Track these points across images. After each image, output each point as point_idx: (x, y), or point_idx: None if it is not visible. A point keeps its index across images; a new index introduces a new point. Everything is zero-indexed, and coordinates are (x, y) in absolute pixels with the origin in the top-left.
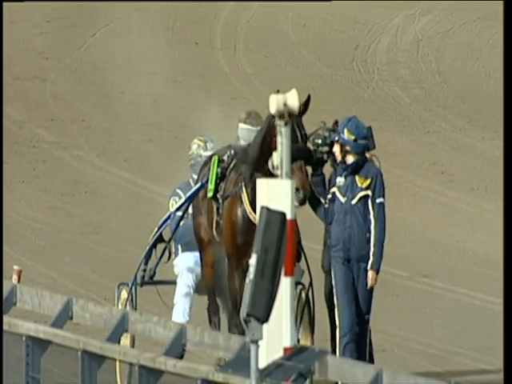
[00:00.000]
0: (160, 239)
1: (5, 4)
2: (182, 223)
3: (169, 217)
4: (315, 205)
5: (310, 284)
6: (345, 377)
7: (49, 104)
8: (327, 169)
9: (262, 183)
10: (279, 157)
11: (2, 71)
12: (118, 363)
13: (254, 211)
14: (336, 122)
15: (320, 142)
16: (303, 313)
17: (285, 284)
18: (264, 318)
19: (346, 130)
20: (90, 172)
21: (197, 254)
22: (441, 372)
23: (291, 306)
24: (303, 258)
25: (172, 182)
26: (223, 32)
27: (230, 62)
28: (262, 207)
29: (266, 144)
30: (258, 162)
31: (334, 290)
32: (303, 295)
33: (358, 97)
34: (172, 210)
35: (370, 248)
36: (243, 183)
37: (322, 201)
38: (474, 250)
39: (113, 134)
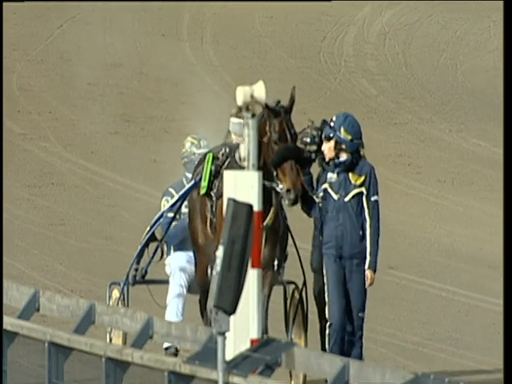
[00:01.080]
0: (152, 238)
1: None
2: (173, 224)
3: (161, 216)
4: (309, 206)
5: (304, 284)
6: (311, 368)
7: (15, 95)
8: (315, 168)
9: (228, 175)
10: (246, 148)
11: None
12: None
13: None
14: (324, 121)
15: (308, 140)
16: (296, 312)
17: (252, 276)
18: (231, 310)
19: (342, 129)
20: (56, 163)
21: (190, 253)
22: (408, 363)
23: (258, 297)
24: (298, 257)
25: (138, 173)
26: (190, 24)
27: (197, 54)
28: (229, 199)
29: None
30: None
31: (326, 287)
32: (296, 295)
33: (324, 88)
34: (164, 208)
35: (362, 246)
36: None
37: (316, 200)
38: (440, 242)
39: (79, 126)
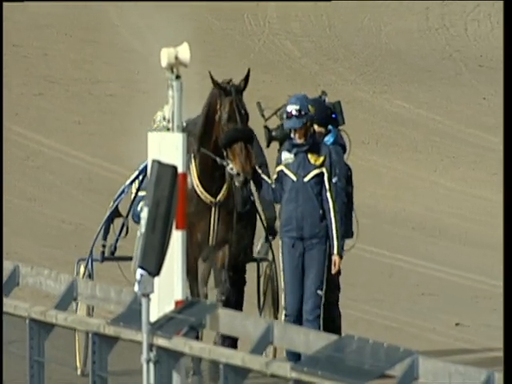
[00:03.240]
0: (116, 213)
1: None
2: (141, 204)
3: (123, 191)
4: (260, 186)
5: (273, 260)
6: (236, 330)
7: None
8: None
9: (153, 137)
10: (170, 110)
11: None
12: (76, 334)
13: (201, 184)
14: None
15: None
16: (267, 289)
17: (176, 237)
18: (155, 272)
19: (310, 107)
20: None
21: None
22: None
23: (182, 259)
24: (265, 233)
25: (63, 135)
26: None
27: (121, 15)
28: (154, 161)
29: (210, 120)
30: (203, 138)
31: (282, 274)
32: (268, 272)
33: (248, 50)
34: (127, 183)
35: (322, 225)
36: (192, 154)
37: (268, 181)
38: (364, 203)
39: (4, 87)
